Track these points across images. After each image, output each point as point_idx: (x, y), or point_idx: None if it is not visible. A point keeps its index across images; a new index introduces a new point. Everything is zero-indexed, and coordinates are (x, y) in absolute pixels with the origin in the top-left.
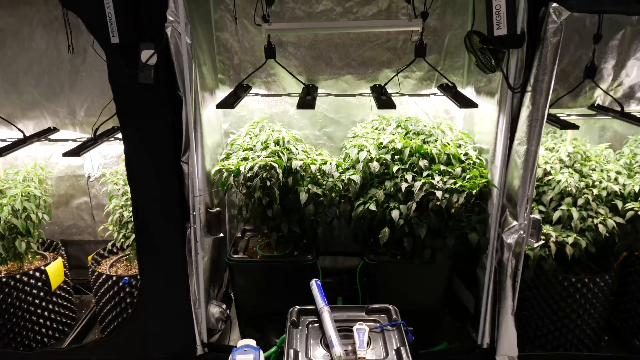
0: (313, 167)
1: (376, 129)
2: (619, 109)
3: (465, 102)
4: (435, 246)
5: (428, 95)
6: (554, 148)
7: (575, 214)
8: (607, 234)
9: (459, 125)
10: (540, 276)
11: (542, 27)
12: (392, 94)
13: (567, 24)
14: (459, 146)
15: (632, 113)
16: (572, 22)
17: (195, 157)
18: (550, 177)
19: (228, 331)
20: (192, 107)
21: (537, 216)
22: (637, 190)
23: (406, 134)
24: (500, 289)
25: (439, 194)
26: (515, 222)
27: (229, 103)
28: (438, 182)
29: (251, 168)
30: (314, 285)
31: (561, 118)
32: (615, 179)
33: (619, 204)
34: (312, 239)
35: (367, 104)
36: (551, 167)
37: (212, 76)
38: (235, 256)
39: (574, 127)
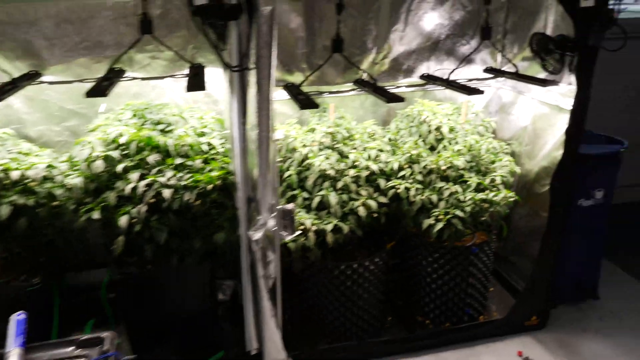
0: (15, 173)
1: (119, 120)
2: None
3: (194, 85)
4: (183, 250)
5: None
6: (314, 129)
7: (332, 198)
8: (376, 215)
9: (224, 111)
10: (311, 267)
11: None
12: (138, 79)
13: None
14: (203, 135)
15: (395, 86)
16: None
17: None
18: (309, 161)
19: None
20: None
21: (289, 206)
22: (396, 167)
23: (143, 124)
24: (256, 291)
25: (167, 192)
26: (265, 214)
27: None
28: (170, 179)
29: None
30: (13, 321)
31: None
32: (377, 157)
33: (382, 182)
34: (55, 256)
35: (115, 91)
36: (310, 150)
37: None
38: None
39: (400, 99)
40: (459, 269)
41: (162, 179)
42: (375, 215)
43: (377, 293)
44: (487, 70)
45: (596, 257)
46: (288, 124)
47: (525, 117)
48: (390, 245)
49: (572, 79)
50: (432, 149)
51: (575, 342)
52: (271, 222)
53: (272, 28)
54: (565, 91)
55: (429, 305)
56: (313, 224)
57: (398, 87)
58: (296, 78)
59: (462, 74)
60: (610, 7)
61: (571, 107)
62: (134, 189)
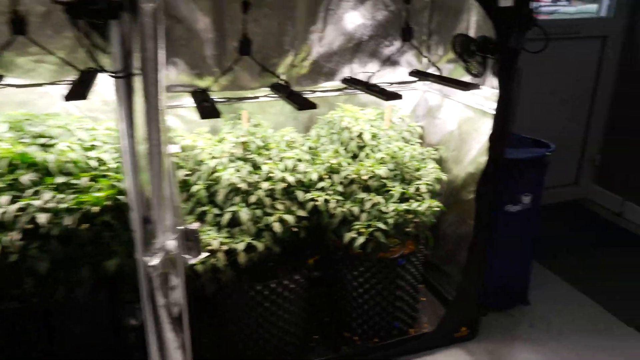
0: None
1: None
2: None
3: (76, 93)
4: (71, 280)
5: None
6: (224, 139)
7: (244, 214)
8: (295, 229)
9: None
10: (225, 288)
11: None
12: (14, 86)
13: None
14: (92, 148)
15: (315, 91)
16: None
17: None
18: (218, 174)
19: None
20: None
21: (193, 225)
22: (315, 178)
23: (21, 137)
24: (157, 322)
25: (42, 217)
26: (161, 237)
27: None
28: (47, 201)
29: None
30: None
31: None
32: (295, 168)
33: (300, 194)
34: None
35: None
36: (219, 162)
37: None
38: None
39: (312, 106)
40: (385, 282)
41: (37, 202)
42: (294, 229)
43: (300, 311)
44: (412, 73)
45: (525, 261)
46: (196, 133)
47: (451, 121)
48: (314, 260)
49: (495, 82)
50: (355, 157)
51: (505, 352)
52: (171, 245)
53: (157, 27)
54: (489, 95)
55: (356, 320)
56: (223, 244)
57: (316, 91)
58: (207, 83)
59: (388, 77)
60: (531, 7)
61: (494, 112)
62: (4, 214)
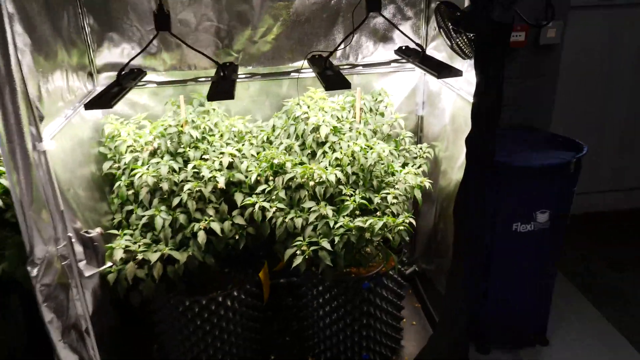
0: None
1: None
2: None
3: None
4: None
5: None
6: (154, 128)
7: (159, 220)
8: (236, 237)
9: None
10: (153, 302)
11: None
12: None
13: None
14: None
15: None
16: None
17: None
18: (136, 171)
19: None
20: None
21: (94, 231)
22: (253, 180)
23: None
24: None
25: None
26: (42, 246)
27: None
28: None
29: None
30: None
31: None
32: (234, 166)
33: (239, 198)
34: None
35: None
36: (138, 156)
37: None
38: None
39: (228, 96)
40: (349, 306)
41: None
42: (232, 239)
43: (246, 332)
44: (398, 51)
45: (542, 292)
46: (121, 122)
47: (447, 114)
48: (280, 266)
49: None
50: (315, 155)
51: None
52: (52, 254)
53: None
54: None
55: (319, 345)
56: (133, 252)
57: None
58: (150, 62)
59: (379, 55)
60: None
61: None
62: None
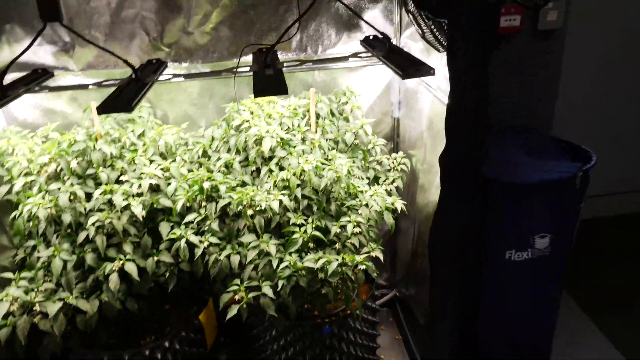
0: None
1: None
2: None
3: None
4: None
5: None
6: (55, 144)
7: (58, 262)
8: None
9: None
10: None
11: None
12: None
13: None
14: None
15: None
16: None
17: None
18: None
19: None
20: None
21: None
22: (179, 208)
23: None
24: None
25: None
26: None
27: None
28: None
29: None
30: None
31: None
32: (159, 189)
33: (165, 229)
34: None
35: None
36: (31, 181)
37: None
38: None
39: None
40: (308, 353)
41: None
42: (165, 275)
43: None
44: (364, 41)
45: (543, 322)
46: (23, 135)
47: (423, 117)
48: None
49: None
50: (260, 172)
51: None
52: None
53: None
54: None
55: None
56: (32, 302)
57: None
58: (64, 61)
59: (344, 47)
60: None
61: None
62: None
